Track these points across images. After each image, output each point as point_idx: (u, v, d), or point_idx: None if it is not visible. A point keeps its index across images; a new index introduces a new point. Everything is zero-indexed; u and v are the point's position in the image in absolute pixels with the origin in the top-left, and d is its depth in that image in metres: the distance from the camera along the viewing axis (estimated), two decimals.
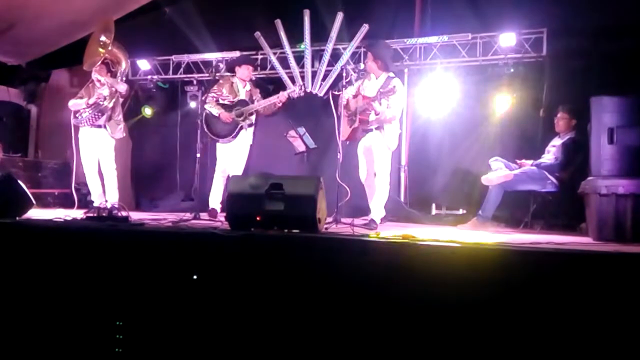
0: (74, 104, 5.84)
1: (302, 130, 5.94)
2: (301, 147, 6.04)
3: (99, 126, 5.79)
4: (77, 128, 5.84)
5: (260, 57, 6.92)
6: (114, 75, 5.95)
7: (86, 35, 7.68)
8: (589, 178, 4.07)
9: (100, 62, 5.79)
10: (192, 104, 7.00)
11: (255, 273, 3.26)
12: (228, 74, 6.21)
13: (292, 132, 6.03)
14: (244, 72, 5.75)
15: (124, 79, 6.18)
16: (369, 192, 5.05)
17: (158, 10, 7.16)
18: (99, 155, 5.87)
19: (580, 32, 5.62)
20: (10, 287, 3.77)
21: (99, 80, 5.85)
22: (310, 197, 3.48)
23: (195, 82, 7.12)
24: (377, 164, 4.91)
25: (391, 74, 4.94)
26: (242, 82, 5.74)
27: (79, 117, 5.79)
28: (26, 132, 8.53)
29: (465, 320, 2.79)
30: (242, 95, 5.69)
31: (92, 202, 5.84)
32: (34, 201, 4.54)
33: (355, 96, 4.97)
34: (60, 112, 8.62)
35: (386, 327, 2.94)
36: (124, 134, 6.08)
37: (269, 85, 6.81)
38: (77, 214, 4.79)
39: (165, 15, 7.12)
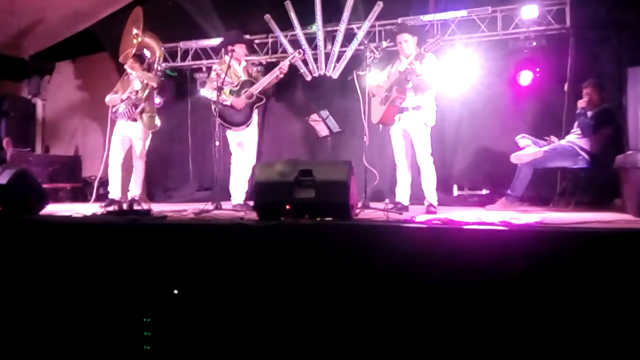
0: (110, 99, 5.78)
1: (325, 113, 5.67)
2: (324, 131, 5.75)
3: (135, 119, 5.72)
4: (113, 122, 5.77)
5: (270, 40, 6.73)
6: (150, 66, 5.86)
7: (89, 26, 7.58)
8: (628, 152, 3.91)
9: (132, 55, 5.72)
10: (203, 91, 6.79)
11: (288, 263, 3.13)
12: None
13: (314, 116, 5.75)
14: (240, 51, 5.37)
15: (160, 67, 6.04)
16: (402, 175, 4.81)
17: None
18: (132, 148, 5.79)
19: (605, 0, 5.42)
20: (34, 284, 3.66)
21: (130, 74, 5.78)
22: (342, 183, 3.32)
23: (204, 68, 6.95)
24: (418, 145, 4.65)
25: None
26: (237, 62, 5.38)
27: (116, 112, 5.74)
28: (33, 126, 8.43)
29: (518, 308, 2.66)
30: (243, 75, 5.35)
31: (108, 193, 5.72)
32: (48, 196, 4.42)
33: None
34: (66, 105, 8.55)
35: (431, 315, 2.82)
36: (158, 126, 5.93)
37: None
38: (93, 207, 4.66)
39: (171, 0, 6.91)
